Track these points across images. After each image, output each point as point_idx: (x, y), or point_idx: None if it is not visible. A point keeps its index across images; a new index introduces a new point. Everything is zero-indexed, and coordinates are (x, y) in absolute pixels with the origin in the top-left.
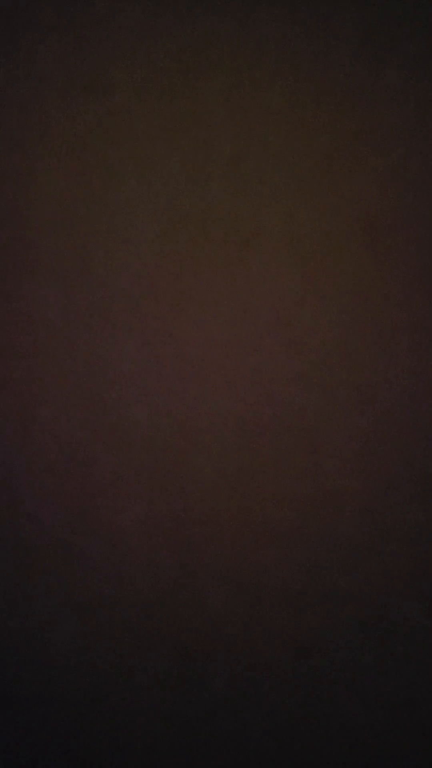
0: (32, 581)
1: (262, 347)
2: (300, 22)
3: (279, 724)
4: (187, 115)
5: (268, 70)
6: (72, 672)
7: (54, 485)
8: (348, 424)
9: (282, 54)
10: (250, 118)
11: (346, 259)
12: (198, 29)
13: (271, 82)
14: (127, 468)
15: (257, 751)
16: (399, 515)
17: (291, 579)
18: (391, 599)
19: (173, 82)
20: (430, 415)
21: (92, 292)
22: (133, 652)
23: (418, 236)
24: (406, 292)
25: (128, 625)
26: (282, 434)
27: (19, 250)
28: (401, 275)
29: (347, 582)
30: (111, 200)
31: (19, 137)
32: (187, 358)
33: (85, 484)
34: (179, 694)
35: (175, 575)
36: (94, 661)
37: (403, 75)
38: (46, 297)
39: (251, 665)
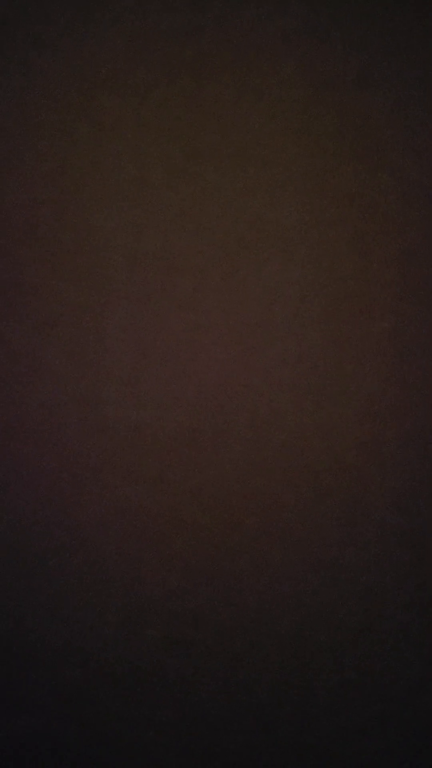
0: (26, 586)
1: (258, 351)
2: (298, 26)
3: (271, 723)
4: (186, 115)
5: (268, 70)
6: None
7: (46, 484)
8: (347, 429)
9: (282, 54)
10: (250, 120)
11: (344, 265)
12: (196, 29)
13: (270, 82)
14: (119, 469)
15: (251, 751)
16: (398, 515)
17: (290, 578)
18: (389, 598)
19: (172, 83)
20: (424, 416)
21: (87, 291)
22: (121, 648)
23: (413, 247)
24: (404, 299)
25: (116, 625)
26: (281, 437)
27: (15, 249)
28: (395, 283)
29: (348, 581)
30: (107, 197)
31: (12, 132)
32: (182, 359)
33: (78, 484)
34: (170, 691)
35: (171, 578)
36: (80, 656)
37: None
38: (40, 295)
39: (245, 663)
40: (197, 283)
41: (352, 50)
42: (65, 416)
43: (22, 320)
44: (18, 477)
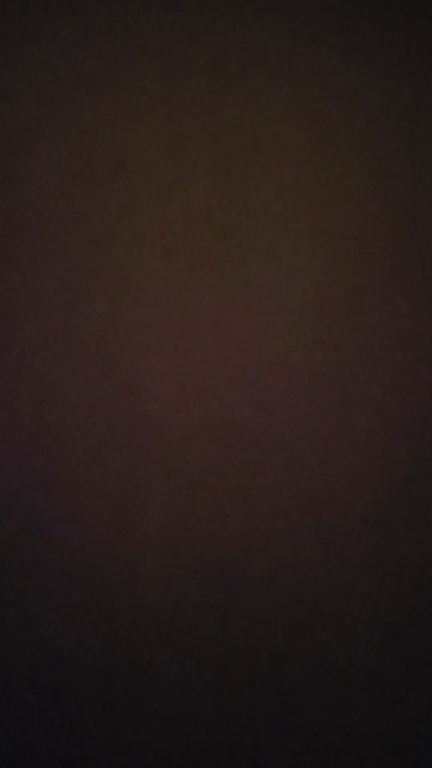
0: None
1: (264, 350)
2: (293, 26)
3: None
4: (183, 117)
5: (265, 72)
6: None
7: (56, 479)
8: (351, 427)
9: (279, 57)
10: (251, 123)
11: (352, 265)
12: (190, 28)
13: (269, 85)
14: (135, 465)
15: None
16: (399, 516)
17: (288, 574)
18: (389, 595)
19: (167, 85)
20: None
21: (97, 294)
22: (118, 645)
23: (424, 244)
24: (411, 300)
25: (117, 619)
26: (284, 436)
27: (23, 252)
28: (406, 282)
29: (350, 583)
30: (109, 197)
31: (15, 133)
32: (191, 358)
33: (90, 480)
34: (168, 689)
35: (175, 572)
36: (76, 655)
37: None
38: (50, 297)
39: (243, 661)
40: (199, 279)
41: (353, 41)
42: (71, 410)
43: (37, 320)
44: (19, 471)
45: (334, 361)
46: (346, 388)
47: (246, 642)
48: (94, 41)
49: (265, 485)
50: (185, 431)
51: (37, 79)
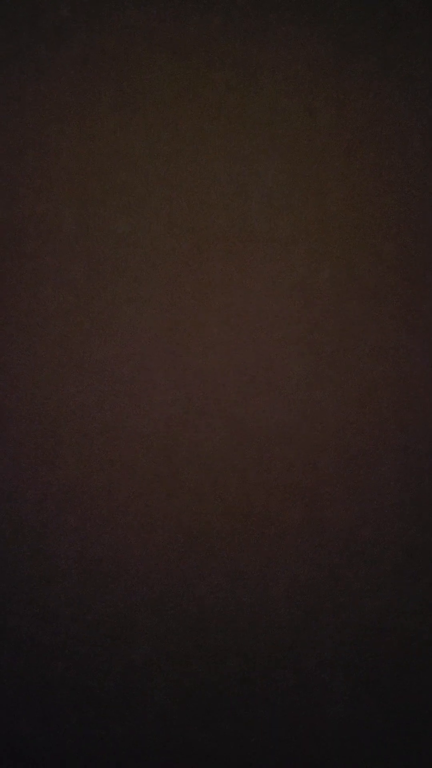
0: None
1: (261, 350)
2: (298, 26)
3: (279, 722)
4: (190, 123)
5: (269, 73)
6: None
7: (47, 480)
8: (347, 426)
9: (285, 58)
10: (254, 125)
11: (349, 261)
12: (198, 33)
13: (273, 88)
14: (123, 465)
15: (258, 751)
16: (399, 513)
17: (290, 577)
18: (393, 597)
19: (174, 91)
20: (424, 404)
21: (93, 293)
22: (132, 652)
23: (417, 232)
24: (410, 293)
25: (126, 624)
26: (281, 434)
27: (22, 253)
28: (406, 277)
29: (351, 581)
30: (114, 204)
31: (23, 147)
32: (186, 359)
33: (80, 482)
34: (179, 692)
35: (175, 574)
36: (89, 657)
37: (407, 74)
38: (47, 299)
39: (251, 662)
40: (201, 278)
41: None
42: (68, 412)
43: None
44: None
45: (334, 358)
46: (346, 384)
47: (252, 637)
48: (98, 44)
49: (266, 480)
50: (180, 425)
51: (39, 87)
